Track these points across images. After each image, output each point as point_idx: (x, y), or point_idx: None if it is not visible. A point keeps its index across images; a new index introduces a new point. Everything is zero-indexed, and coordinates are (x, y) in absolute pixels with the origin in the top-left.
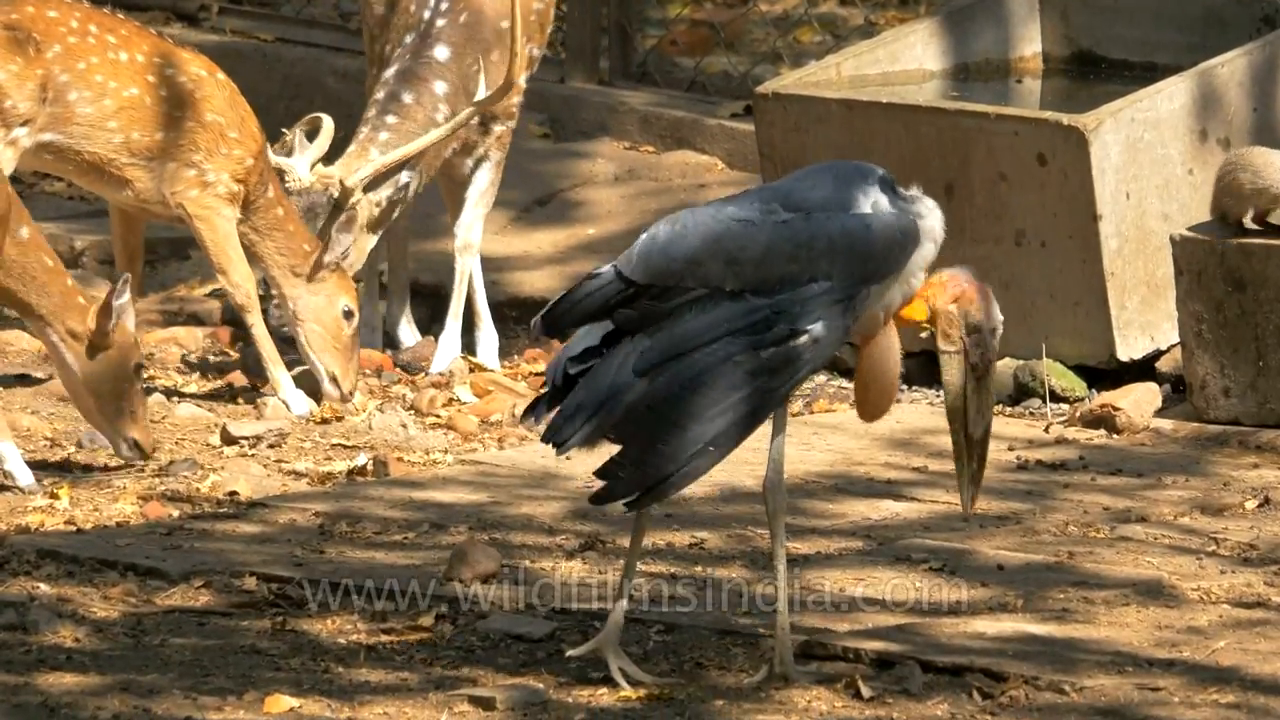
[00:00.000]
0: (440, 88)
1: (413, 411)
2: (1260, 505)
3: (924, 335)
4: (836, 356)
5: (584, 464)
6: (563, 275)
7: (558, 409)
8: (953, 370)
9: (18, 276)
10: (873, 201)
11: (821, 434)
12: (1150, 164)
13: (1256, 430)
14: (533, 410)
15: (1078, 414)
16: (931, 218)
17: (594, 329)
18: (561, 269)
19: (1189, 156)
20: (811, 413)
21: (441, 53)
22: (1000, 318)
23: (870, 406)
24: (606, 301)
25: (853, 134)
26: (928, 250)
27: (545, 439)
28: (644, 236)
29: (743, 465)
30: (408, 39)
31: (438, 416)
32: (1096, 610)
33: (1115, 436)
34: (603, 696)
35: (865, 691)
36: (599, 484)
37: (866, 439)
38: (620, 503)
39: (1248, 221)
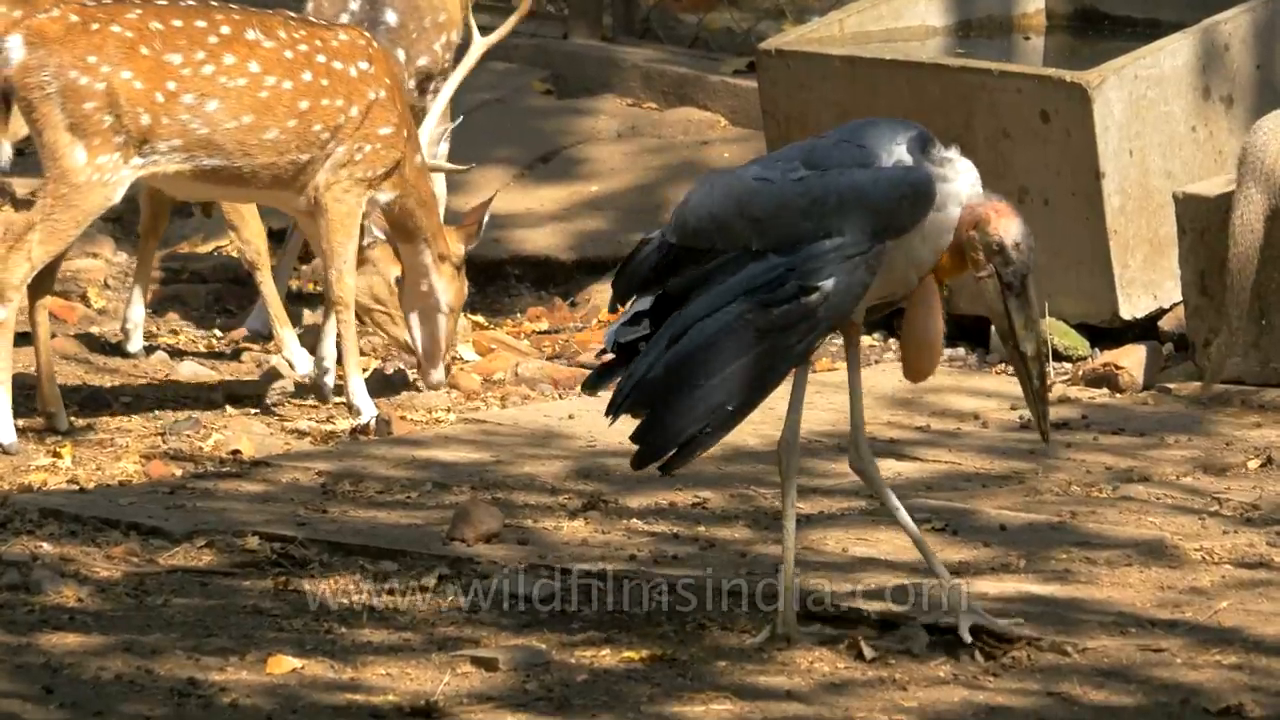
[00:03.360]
0: (399, 54)
1: (413, 370)
2: (1263, 465)
3: (978, 280)
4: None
5: (585, 424)
6: (565, 232)
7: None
8: (989, 293)
9: (419, 201)
10: (896, 159)
11: (824, 393)
12: (1153, 121)
13: (1259, 389)
14: (595, 380)
15: (1080, 373)
16: (960, 180)
17: (647, 295)
18: (564, 226)
19: (1192, 114)
20: (814, 371)
21: (391, 18)
22: (1023, 230)
23: (912, 367)
24: (655, 266)
25: (856, 91)
26: (953, 212)
27: (608, 411)
28: (684, 198)
29: (746, 424)
30: (353, 5)
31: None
32: (1099, 570)
33: (1118, 395)
34: (605, 657)
35: (867, 652)
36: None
37: (869, 398)
38: (653, 466)
39: None
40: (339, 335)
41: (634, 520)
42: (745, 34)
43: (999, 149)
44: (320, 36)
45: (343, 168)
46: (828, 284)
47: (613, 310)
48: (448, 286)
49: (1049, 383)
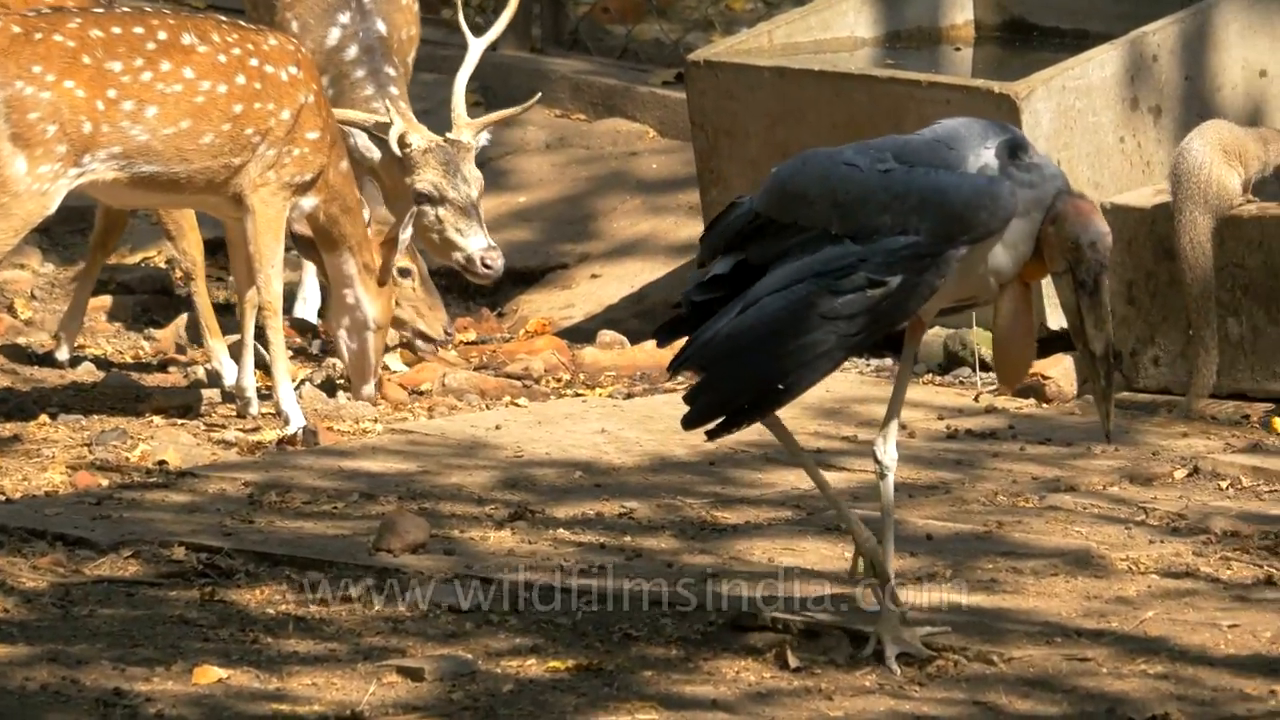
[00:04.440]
0: (395, 60)
1: (343, 380)
2: (1189, 475)
3: (1053, 275)
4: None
5: (513, 435)
6: None
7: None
8: (1063, 290)
9: (342, 208)
10: (983, 163)
11: None
12: (1081, 132)
13: (1186, 399)
14: (664, 332)
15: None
16: (1045, 187)
17: (729, 258)
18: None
19: (1120, 124)
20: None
21: (381, 27)
22: (1102, 229)
23: (1001, 371)
24: (740, 231)
25: (785, 101)
26: (1035, 219)
27: (669, 366)
28: (775, 169)
29: (672, 434)
30: (341, 17)
31: None
32: (1025, 580)
33: (1045, 405)
34: (531, 667)
35: (793, 662)
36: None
37: (796, 408)
38: (701, 429)
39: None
40: (267, 343)
41: (561, 530)
42: (674, 45)
43: None
44: (252, 40)
45: (270, 170)
46: (894, 280)
47: (700, 266)
48: (374, 300)
49: (1115, 383)
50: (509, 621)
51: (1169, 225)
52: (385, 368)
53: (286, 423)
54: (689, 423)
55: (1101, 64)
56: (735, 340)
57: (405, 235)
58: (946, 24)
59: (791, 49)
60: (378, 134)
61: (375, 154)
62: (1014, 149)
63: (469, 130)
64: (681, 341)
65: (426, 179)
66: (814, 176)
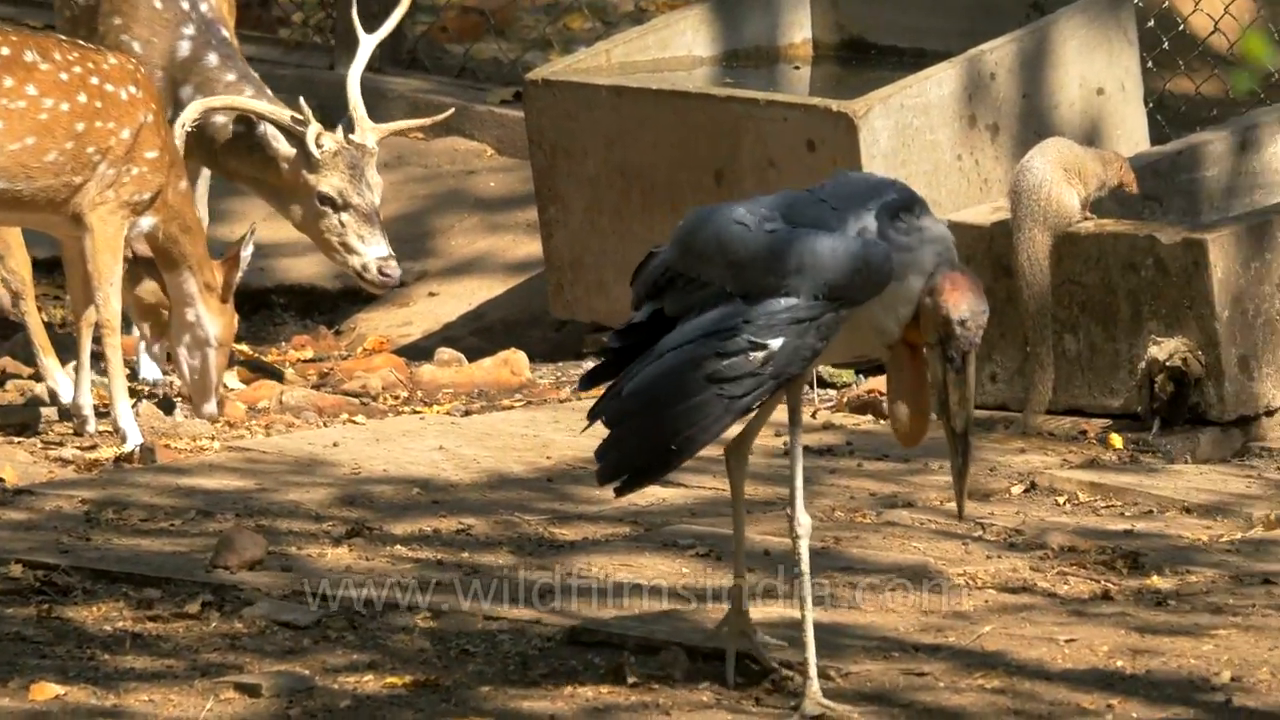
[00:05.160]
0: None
1: (179, 398)
2: (1026, 490)
3: (924, 347)
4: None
5: (350, 451)
6: (327, 262)
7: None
8: (932, 362)
9: (181, 227)
10: (862, 225)
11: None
12: (919, 150)
13: (1023, 415)
14: (586, 379)
15: (845, 400)
16: (920, 252)
17: (648, 305)
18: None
19: (958, 142)
20: (579, 399)
21: (224, 31)
22: (976, 308)
23: (896, 431)
24: (655, 281)
25: (623, 120)
26: (914, 284)
27: (588, 415)
28: (680, 223)
29: (510, 451)
30: (186, 29)
31: None
32: (862, 595)
33: (882, 422)
34: (368, 683)
35: (630, 678)
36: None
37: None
38: (609, 487)
39: (1087, 211)
40: (105, 360)
41: (398, 547)
42: (512, 64)
43: (765, 178)
44: (92, 59)
45: (110, 188)
46: (775, 343)
47: (635, 309)
48: (215, 318)
49: (971, 461)
50: (346, 638)
51: (1007, 243)
52: (225, 386)
53: (124, 440)
54: (600, 479)
55: (939, 82)
56: (633, 399)
57: (246, 254)
58: (785, 43)
59: (630, 68)
60: (292, 129)
61: (286, 149)
62: (896, 211)
63: (373, 134)
64: (600, 390)
65: (331, 182)
66: (709, 235)
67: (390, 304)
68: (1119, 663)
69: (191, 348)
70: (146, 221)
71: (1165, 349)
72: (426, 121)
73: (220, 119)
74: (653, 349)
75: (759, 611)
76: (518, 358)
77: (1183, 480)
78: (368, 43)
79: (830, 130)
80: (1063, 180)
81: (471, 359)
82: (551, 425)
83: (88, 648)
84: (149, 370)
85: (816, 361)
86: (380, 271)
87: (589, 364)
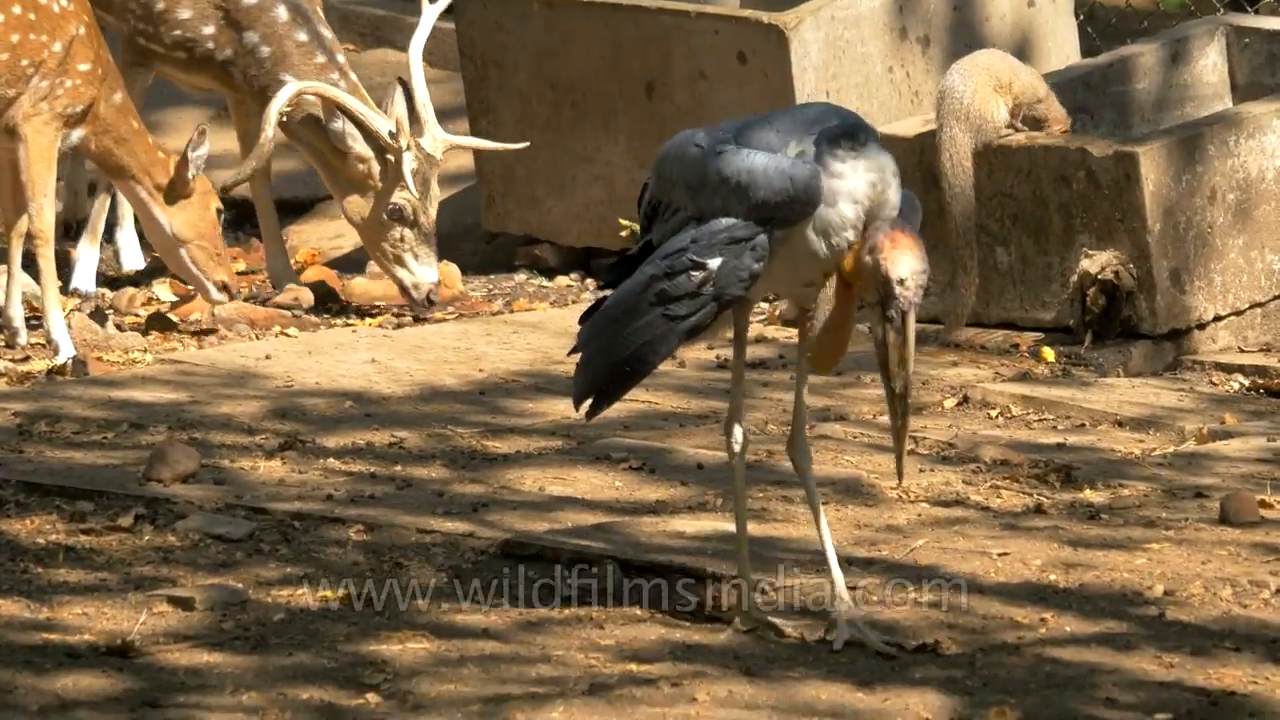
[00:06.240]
0: (322, 15)
1: (112, 310)
2: (959, 404)
3: (865, 304)
4: None
5: (282, 364)
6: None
7: None
8: (872, 321)
9: (115, 140)
10: (799, 150)
11: (521, 332)
12: (850, 62)
13: (947, 321)
14: (587, 314)
15: (776, 312)
16: (854, 179)
17: (644, 237)
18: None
19: (889, 54)
20: (511, 311)
21: None
22: (916, 267)
23: (811, 356)
24: (646, 214)
25: (553, 33)
26: (845, 210)
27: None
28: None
29: (442, 364)
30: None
31: (136, 316)
32: (795, 509)
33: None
34: (302, 596)
35: (564, 590)
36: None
37: (566, 338)
38: (582, 410)
39: (1016, 122)
40: (39, 271)
41: (331, 460)
42: None
43: (696, 90)
44: None
45: (43, 101)
46: (713, 263)
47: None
48: (175, 216)
49: (909, 421)
50: (279, 551)
51: (936, 155)
52: (154, 298)
53: (56, 352)
54: (575, 402)
55: None
56: (595, 324)
57: (196, 154)
58: None
59: None
60: (384, 143)
61: (363, 149)
62: (837, 137)
63: (442, 145)
64: None
65: (406, 198)
66: (673, 160)
67: (322, 216)
68: (1052, 576)
69: (165, 250)
70: (77, 134)
71: (1097, 262)
72: (500, 146)
73: (290, 79)
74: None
75: (692, 524)
76: (449, 270)
77: (1115, 394)
78: (430, 12)
79: (761, 42)
80: (989, 87)
81: None
82: (484, 338)
83: (21, 560)
84: (81, 281)
85: (762, 288)
86: (428, 296)
87: (520, 276)
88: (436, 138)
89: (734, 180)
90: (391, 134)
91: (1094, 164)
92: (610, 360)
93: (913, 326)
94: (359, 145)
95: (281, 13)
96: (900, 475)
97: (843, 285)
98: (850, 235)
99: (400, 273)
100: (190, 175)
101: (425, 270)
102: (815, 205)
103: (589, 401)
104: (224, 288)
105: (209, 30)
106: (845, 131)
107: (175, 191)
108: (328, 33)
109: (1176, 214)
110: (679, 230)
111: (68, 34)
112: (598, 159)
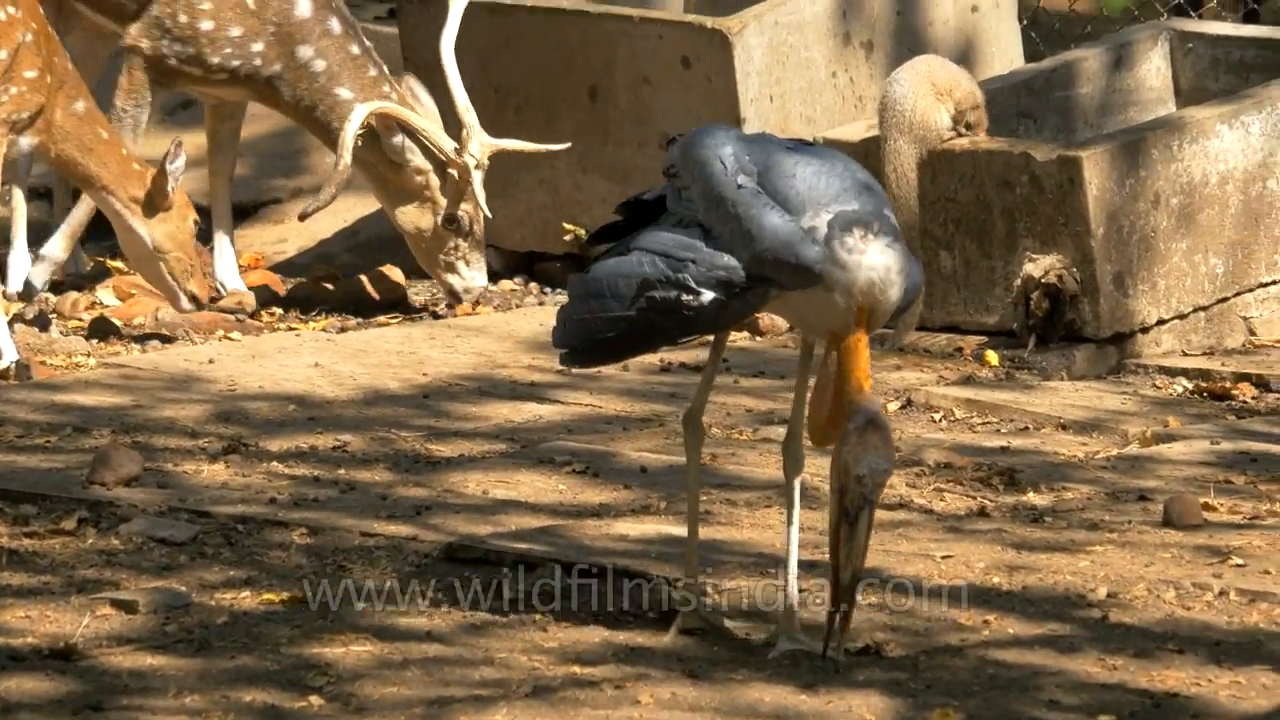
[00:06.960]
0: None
1: (55, 314)
2: (902, 407)
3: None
4: None
5: (226, 368)
6: (202, 179)
7: None
8: (831, 505)
9: (78, 148)
10: (811, 224)
11: (465, 336)
12: (794, 67)
13: (894, 331)
14: (594, 237)
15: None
16: (856, 273)
17: (660, 189)
18: (204, 171)
19: (832, 59)
20: (455, 315)
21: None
22: (878, 466)
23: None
24: (665, 170)
25: (497, 37)
26: (839, 301)
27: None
28: (694, 129)
29: (386, 368)
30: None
31: (80, 320)
32: (739, 512)
33: (758, 339)
34: (245, 599)
35: (508, 593)
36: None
37: (509, 341)
38: (562, 362)
39: (960, 128)
40: None
41: (274, 463)
42: None
43: (640, 95)
44: None
45: None
46: (705, 297)
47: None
48: (152, 228)
49: (850, 613)
50: (223, 554)
51: (879, 159)
52: (98, 302)
53: None
54: (554, 342)
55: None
56: (586, 282)
57: (173, 166)
58: None
59: None
60: (448, 160)
61: (420, 162)
62: (850, 224)
63: (488, 150)
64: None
65: (465, 209)
66: (697, 159)
67: (265, 220)
68: (995, 579)
69: (140, 260)
70: (26, 141)
71: (1040, 266)
72: (543, 148)
73: (346, 93)
74: (631, 237)
75: (635, 527)
76: (393, 274)
77: (1058, 397)
78: (457, 7)
79: (705, 47)
80: (930, 95)
81: (347, 275)
82: (427, 342)
83: None
84: (17, 284)
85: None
86: (474, 304)
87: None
88: (483, 142)
89: (744, 226)
90: (456, 150)
91: (1037, 168)
92: (588, 325)
93: (866, 524)
94: (417, 158)
95: (335, 25)
96: (825, 652)
97: (836, 360)
98: (843, 321)
99: (450, 278)
100: (169, 188)
101: (477, 275)
102: (810, 286)
103: (564, 351)
104: (194, 298)
105: (258, 47)
106: (861, 220)
107: (155, 204)
108: (370, 44)
109: (1120, 218)
110: (689, 226)
111: (14, 41)
112: (541, 163)
